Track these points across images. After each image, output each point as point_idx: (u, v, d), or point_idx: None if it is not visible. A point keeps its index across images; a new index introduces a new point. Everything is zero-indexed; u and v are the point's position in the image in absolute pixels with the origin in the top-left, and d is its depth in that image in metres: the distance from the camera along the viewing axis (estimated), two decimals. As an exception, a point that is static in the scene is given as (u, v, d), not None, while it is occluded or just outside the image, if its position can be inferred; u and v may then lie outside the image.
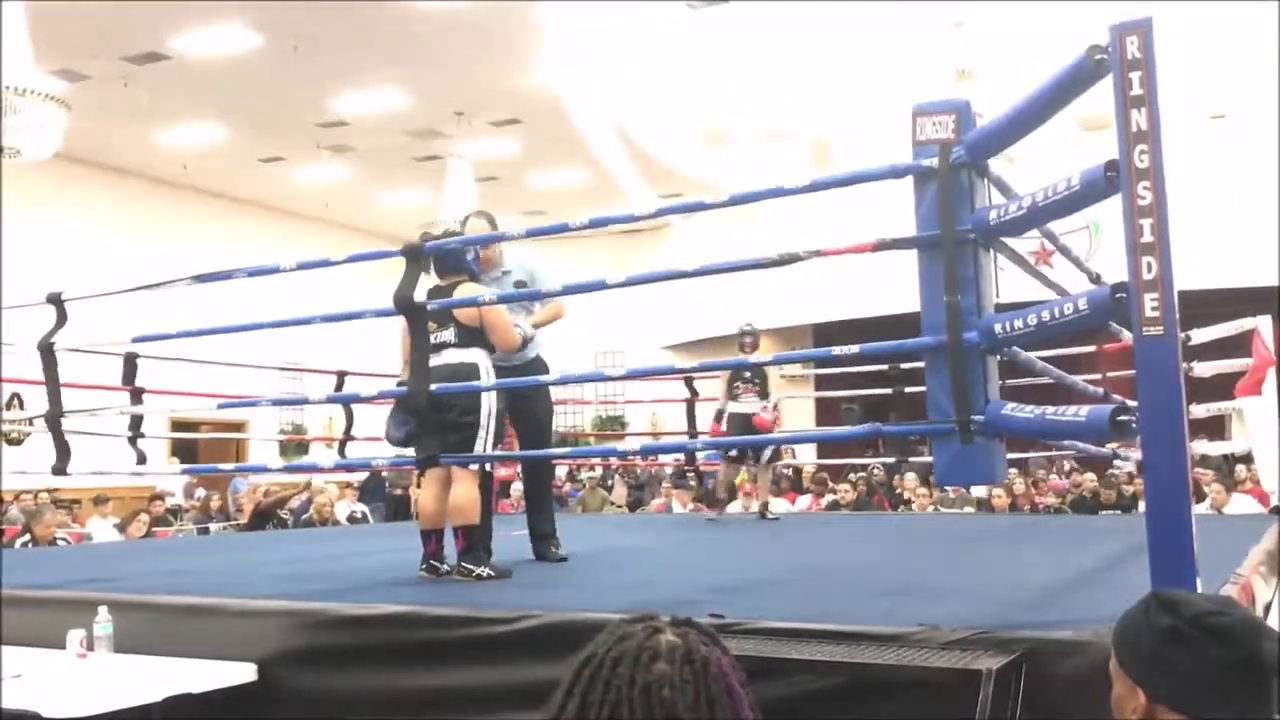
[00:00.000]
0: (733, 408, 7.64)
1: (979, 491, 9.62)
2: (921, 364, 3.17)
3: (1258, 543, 4.43)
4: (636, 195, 14.42)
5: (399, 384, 4.23)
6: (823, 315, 14.79)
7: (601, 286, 3.81)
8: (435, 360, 4.07)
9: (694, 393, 8.75)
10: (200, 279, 4.44)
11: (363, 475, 12.61)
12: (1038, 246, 6.30)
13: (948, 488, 9.43)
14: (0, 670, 2.91)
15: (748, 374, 7.61)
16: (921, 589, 3.65)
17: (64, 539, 8.15)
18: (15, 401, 13.60)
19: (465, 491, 4.11)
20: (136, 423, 6.27)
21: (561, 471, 13.63)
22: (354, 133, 15.24)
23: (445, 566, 4.13)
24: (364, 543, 6.36)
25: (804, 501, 11.21)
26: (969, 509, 9.55)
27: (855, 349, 3.49)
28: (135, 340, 4.90)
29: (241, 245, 16.56)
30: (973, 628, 2.50)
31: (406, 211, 17.82)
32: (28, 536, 7.56)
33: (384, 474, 12.10)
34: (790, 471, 11.90)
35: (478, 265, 4.36)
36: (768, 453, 7.93)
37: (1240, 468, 9.24)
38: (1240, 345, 7.06)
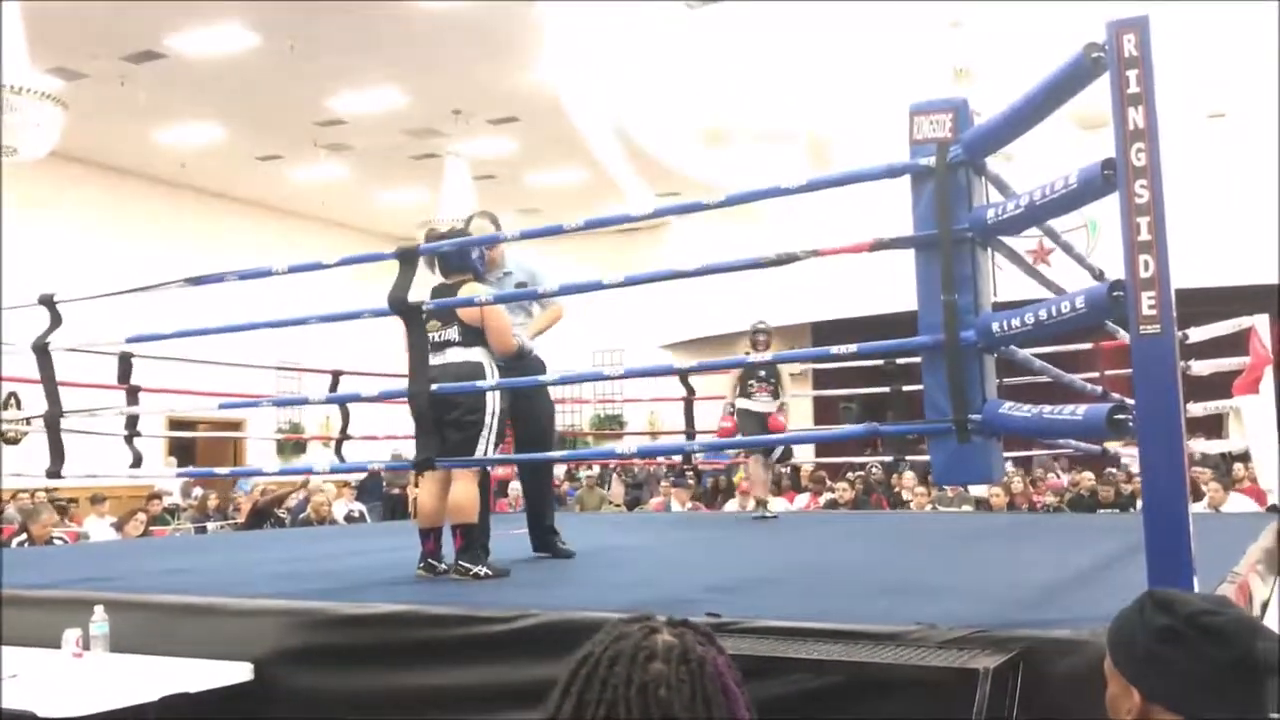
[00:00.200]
0: (745, 405, 7.56)
1: (977, 490, 9.62)
2: (918, 359, 3.17)
3: (1255, 541, 4.44)
4: (634, 194, 14.41)
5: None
6: (821, 314, 14.78)
7: (599, 287, 3.80)
8: (440, 359, 4.07)
9: (691, 391, 8.74)
10: (192, 282, 4.43)
11: (360, 474, 12.59)
12: (1035, 245, 6.30)
13: (946, 486, 9.44)
14: (-3, 670, 2.91)
15: (762, 372, 7.53)
16: (919, 588, 3.65)
17: (61, 538, 8.14)
18: (12, 401, 13.58)
19: (464, 490, 4.11)
20: (132, 422, 6.27)
21: (559, 470, 13.61)
22: (352, 132, 15.23)
23: (443, 565, 4.13)
24: (361, 542, 6.36)
25: (802, 500, 11.23)
26: (967, 508, 9.55)
27: (853, 348, 3.48)
28: (130, 340, 4.88)
29: (239, 244, 16.60)
30: (970, 626, 2.50)
31: (404, 210, 17.82)
32: (24, 536, 7.54)
33: (381, 473, 12.09)
34: (788, 470, 11.89)
35: (483, 265, 4.36)
36: (778, 451, 7.91)
37: (1238, 466, 9.23)
38: (1238, 344, 7.07)
